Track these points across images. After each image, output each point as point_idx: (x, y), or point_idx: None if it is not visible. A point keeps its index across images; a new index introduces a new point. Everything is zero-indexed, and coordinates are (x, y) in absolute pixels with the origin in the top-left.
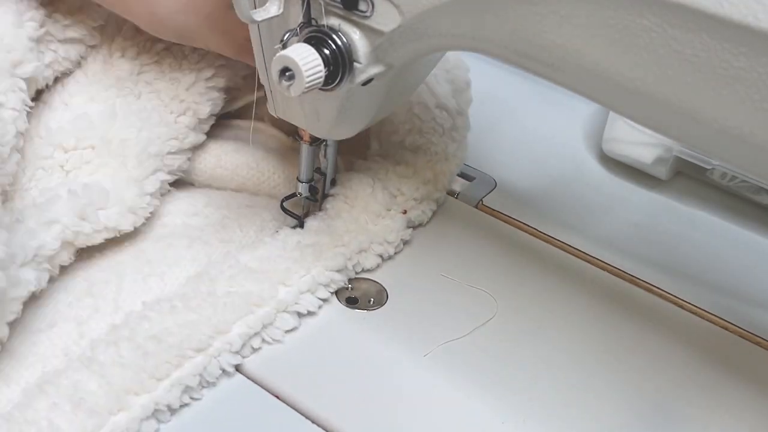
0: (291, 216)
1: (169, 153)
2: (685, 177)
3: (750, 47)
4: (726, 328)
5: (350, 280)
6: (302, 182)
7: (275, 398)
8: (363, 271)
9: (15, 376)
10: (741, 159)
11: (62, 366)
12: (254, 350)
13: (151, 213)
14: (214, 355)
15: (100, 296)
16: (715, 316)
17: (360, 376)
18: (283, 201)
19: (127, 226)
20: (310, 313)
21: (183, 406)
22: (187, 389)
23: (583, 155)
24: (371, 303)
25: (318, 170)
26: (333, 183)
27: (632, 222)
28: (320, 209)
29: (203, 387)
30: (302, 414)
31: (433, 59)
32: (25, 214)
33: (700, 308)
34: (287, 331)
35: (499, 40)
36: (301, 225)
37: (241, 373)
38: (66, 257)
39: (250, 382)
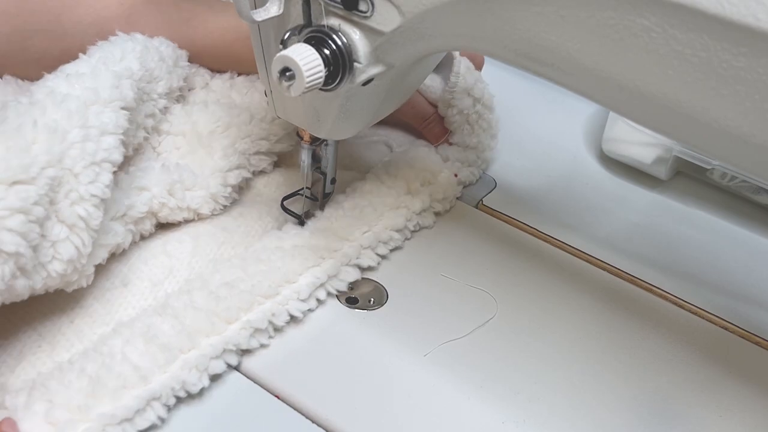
0: (291, 215)
1: (257, 153)
2: (685, 177)
3: (750, 47)
4: (726, 328)
5: (350, 280)
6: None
7: (275, 398)
8: (369, 269)
9: (88, 332)
10: (741, 159)
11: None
12: (261, 346)
13: (229, 203)
14: (282, 302)
15: (175, 257)
16: (715, 316)
17: (360, 375)
18: (283, 200)
19: (206, 211)
20: (313, 308)
21: (251, 349)
22: (256, 332)
23: (583, 155)
24: (371, 303)
25: (318, 170)
26: (333, 183)
27: (632, 222)
28: (321, 209)
29: (271, 333)
30: (302, 414)
31: (433, 59)
32: (118, 178)
33: (700, 308)
34: (288, 329)
35: (499, 40)
36: (302, 224)
37: (241, 372)
38: (148, 227)
39: (250, 381)
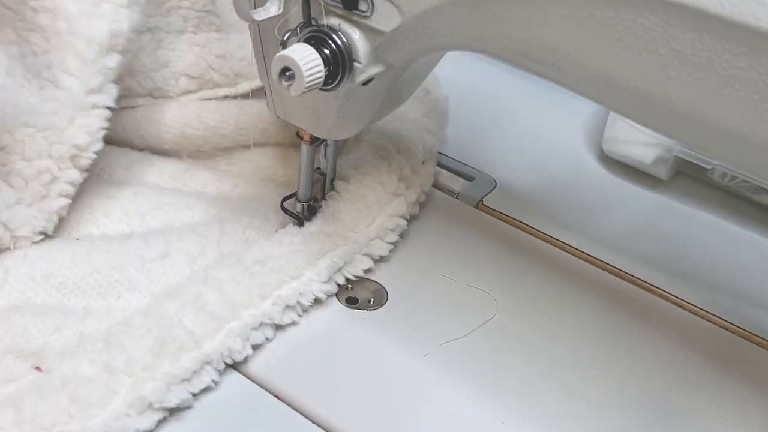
0: (291, 216)
1: None
2: (685, 177)
3: (750, 47)
4: (726, 328)
5: (350, 280)
6: (301, 202)
7: (275, 398)
8: (368, 268)
9: (134, 302)
10: (741, 159)
11: (183, 281)
12: (255, 348)
13: None
14: (306, 283)
15: (204, 236)
16: (715, 316)
17: (360, 375)
18: (283, 201)
19: None
20: (312, 308)
21: (286, 325)
22: (287, 309)
23: (583, 155)
24: (371, 303)
25: (318, 170)
26: (333, 183)
27: (632, 222)
28: (320, 209)
29: (300, 312)
30: (302, 413)
31: (433, 59)
32: None
33: (700, 308)
34: (287, 329)
35: (499, 40)
36: (301, 225)
37: (241, 372)
38: None
39: (250, 381)
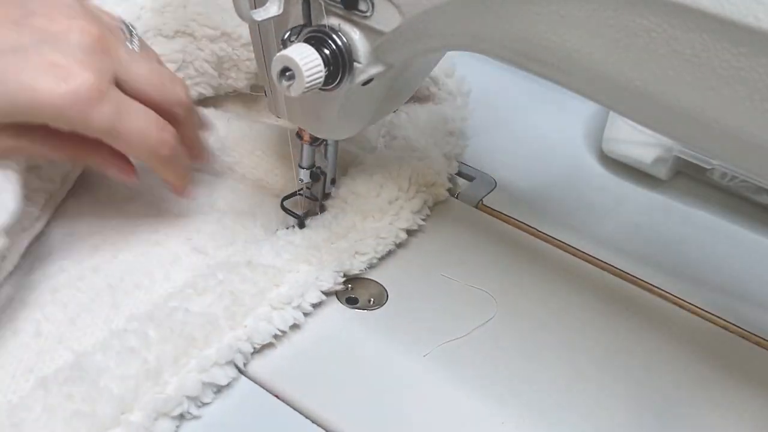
0: (291, 215)
1: None
2: (685, 177)
3: (750, 47)
4: (726, 328)
5: (350, 280)
6: (303, 168)
7: (275, 398)
8: (368, 268)
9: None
10: (741, 159)
11: (182, 283)
12: (254, 350)
13: None
14: (307, 283)
15: (204, 237)
16: (715, 316)
17: (359, 376)
18: (283, 200)
19: None
20: (313, 308)
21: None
22: (289, 310)
23: (583, 155)
24: (371, 303)
25: (318, 170)
26: (333, 183)
27: (632, 222)
28: (321, 209)
29: (301, 311)
30: (301, 413)
31: (433, 59)
32: None
33: (700, 308)
34: (288, 330)
35: (499, 40)
36: (302, 225)
37: (241, 373)
38: None
39: (250, 381)
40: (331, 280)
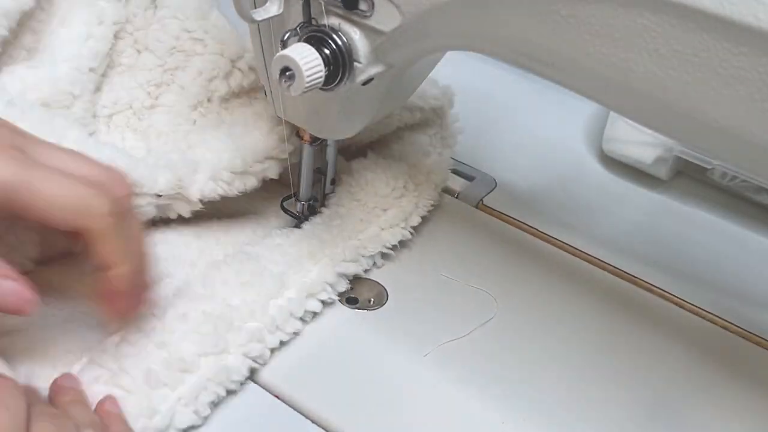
0: (291, 216)
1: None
2: (685, 177)
3: (750, 47)
4: (726, 328)
5: (350, 280)
6: (301, 201)
7: (274, 398)
8: (368, 268)
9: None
10: (741, 159)
11: (182, 285)
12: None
13: None
14: (306, 283)
15: (203, 238)
16: (715, 316)
17: (360, 376)
18: (283, 201)
19: None
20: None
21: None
22: (291, 311)
23: (583, 155)
24: (371, 303)
25: (318, 170)
26: (333, 183)
27: (632, 222)
28: (320, 209)
29: (303, 312)
30: (301, 413)
31: (433, 59)
32: None
33: (700, 308)
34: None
35: (498, 40)
36: (300, 225)
37: (252, 380)
38: None
39: (250, 381)
40: (332, 291)
